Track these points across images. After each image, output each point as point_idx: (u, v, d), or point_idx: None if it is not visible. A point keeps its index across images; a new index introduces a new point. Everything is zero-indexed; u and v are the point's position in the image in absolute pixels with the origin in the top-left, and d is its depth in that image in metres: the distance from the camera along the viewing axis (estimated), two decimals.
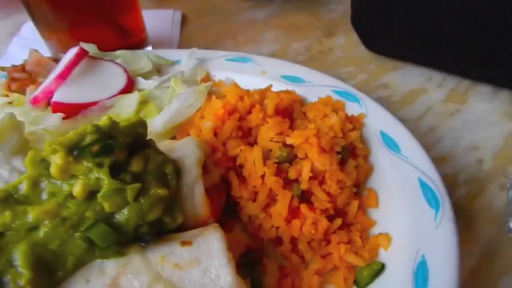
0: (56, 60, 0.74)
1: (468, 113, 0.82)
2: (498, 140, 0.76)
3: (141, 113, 0.69)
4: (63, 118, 0.65)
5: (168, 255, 0.43)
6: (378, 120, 0.66)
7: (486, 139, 0.76)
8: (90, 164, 0.43)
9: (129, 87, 0.73)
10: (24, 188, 0.44)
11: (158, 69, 0.83)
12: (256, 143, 0.60)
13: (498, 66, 0.80)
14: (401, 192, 0.55)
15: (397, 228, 0.53)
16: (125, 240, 0.44)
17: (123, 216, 0.43)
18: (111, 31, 0.89)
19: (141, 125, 0.49)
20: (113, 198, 0.42)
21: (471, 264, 0.57)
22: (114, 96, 0.70)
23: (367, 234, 0.56)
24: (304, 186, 0.55)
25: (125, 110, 0.68)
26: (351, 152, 0.61)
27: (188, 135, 0.63)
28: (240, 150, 0.58)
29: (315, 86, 0.74)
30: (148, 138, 0.51)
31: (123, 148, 0.45)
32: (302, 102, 0.72)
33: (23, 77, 0.73)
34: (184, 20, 1.17)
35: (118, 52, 0.80)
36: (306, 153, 0.56)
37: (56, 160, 0.42)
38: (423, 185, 0.55)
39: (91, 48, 0.77)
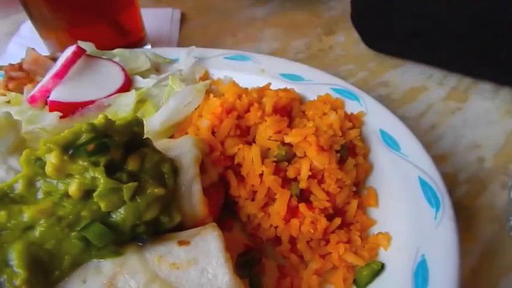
0: (54, 59, 0.74)
1: (469, 111, 0.81)
2: (499, 138, 0.75)
3: (138, 111, 0.69)
4: (61, 117, 0.65)
5: (165, 254, 0.43)
6: (377, 119, 0.65)
7: (487, 137, 0.75)
8: (85, 163, 0.42)
9: (127, 85, 0.73)
10: (19, 187, 0.44)
11: (157, 68, 0.82)
12: (254, 142, 0.60)
13: (499, 66, 0.79)
14: (401, 191, 0.55)
15: (397, 227, 0.52)
16: (121, 239, 0.44)
17: (119, 215, 0.43)
18: (110, 30, 0.89)
19: (137, 123, 0.49)
20: (109, 198, 0.42)
21: (472, 264, 0.56)
22: (112, 95, 0.69)
23: (366, 233, 0.56)
24: (303, 185, 0.55)
25: (123, 108, 0.68)
26: (350, 150, 0.61)
27: (186, 134, 0.62)
28: (238, 149, 0.58)
29: (314, 84, 0.73)
30: (145, 137, 0.51)
31: (119, 147, 0.45)
32: (301, 100, 0.71)
33: (20, 76, 0.72)
34: (183, 19, 1.17)
35: (116, 51, 0.80)
36: (304, 152, 0.56)
37: (51, 159, 0.42)
38: (423, 183, 0.54)
39: (89, 46, 0.77)
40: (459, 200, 0.64)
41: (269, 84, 0.72)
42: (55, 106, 0.67)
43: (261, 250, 0.56)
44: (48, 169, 0.42)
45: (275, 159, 0.56)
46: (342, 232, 0.54)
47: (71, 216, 0.42)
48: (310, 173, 0.54)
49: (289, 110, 0.67)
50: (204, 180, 0.51)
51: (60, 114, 0.65)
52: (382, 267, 0.50)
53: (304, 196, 0.56)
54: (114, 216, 0.43)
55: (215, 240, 0.44)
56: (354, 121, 0.64)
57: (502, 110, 0.81)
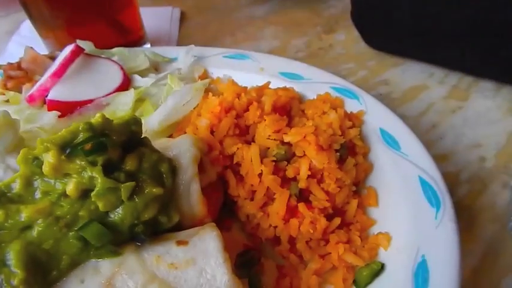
0: (52, 58, 0.74)
1: (470, 110, 0.81)
2: (501, 137, 0.75)
3: (137, 110, 0.69)
4: (59, 116, 0.65)
5: (164, 254, 0.43)
6: (377, 118, 0.65)
7: (489, 136, 0.75)
8: (83, 163, 0.42)
9: (126, 84, 0.72)
10: (17, 186, 0.43)
11: (156, 67, 0.82)
12: (253, 141, 0.60)
13: (500, 65, 0.79)
14: (401, 190, 0.54)
15: (397, 227, 0.52)
16: (120, 239, 0.43)
17: (117, 215, 0.43)
18: (109, 29, 0.89)
19: (135, 122, 0.48)
20: (107, 197, 0.42)
21: (473, 264, 0.56)
22: (110, 94, 0.69)
23: (366, 233, 0.55)
24: (302, 184, 0.54)
25: (121, 108, 0.67)
26: (350, 149, 0.60)
27: (185, 133, 0.62)
28: (237, 148, 0.57)
29: (314, 83, 0.73)
30: (143, 136, 0.50)
31: (117, 146, 0.44)
32: (300, 99, 0.71)
33: (19, 75, 0.72)
34: (183, 17, 1.17)
35: (115, 49, 0.80)
36: (304, 151, 0.55)
37: (49, 158, 0.41)
38: (424, 183, 0.54)
39: (87, 45, 0.76)
40: (460, 200, 0.64)
41: (268, 83, 0.71)
42: (53, 105, 0.66)
43: (260, 250, 0.56)
44: (46, 168, 0.42)
45: (274, 158, 0.56)
46: (341, 232, 0.54)
47: (68, 216, 0.42)
48: (309, 173, 0.54)
49: (289, 109, 0.66)
50: (202, 179, 0.51)
51: (59, 113, 0.65)
52: (382, 267, 0.50)
53: (303, 196, 0.55)
54: (112, 216, 0.43)
55: (214, 240, 0.44)
56: (354, 120, 0.64)
57: (503, 109, 0.80)
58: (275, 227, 0.54)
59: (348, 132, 0.61)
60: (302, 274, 0.52)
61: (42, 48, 0.85)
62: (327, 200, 0.54)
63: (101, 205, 0.42)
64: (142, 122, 0.51)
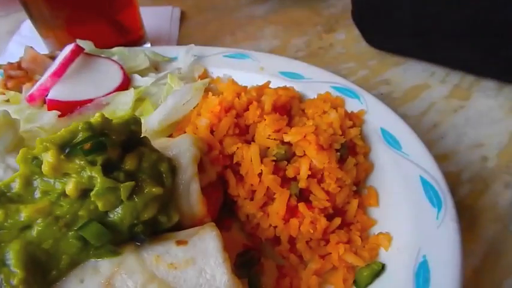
0: (52, 58, 0.74)
1: (472, 109, 0.80)
2: (503, 136, 0.74)
3: (137, 110, 0.69)
4: (59, 116, 0.65)
5: (163, 254, 0.43)
6: (378, 117, 0.64)
7: (490, 136, 0.74)
8: (82, 162, 0.42)
9: (125, 84, 0.72)
10: (16, 186, 0.43)
11: (156, 66, 0.82)
12: (253, 141, 0.59)
13: (501, 64, 0.78)
14: (402, 190, 0.54)
15: (397, 227, 0.52)
16: (119, 239, 0.43)
17: (117, 215, 0.43)
18: (109, 28, 0.89)
19: (135, 122, 0.48)
20: (106, 197, 0.42)
21: (475, 264, 0.55)
22: (110, 93, 0.69)
23: (367, 233, 0.55)
24: (302, 184, 0.54)
25: (121, 107, 0.67)
26: (350, 149, 0.60)
27: (184, 132, 0.62)
28: (237, 148, 0.57)
29: (314, 82, 0.72)
30: (143, 135, 0.50)
31: (116, 146, 0.44)
32: (301, 98, 0.71)
33: (19, 75, 0.72)
34: (183, 17, 1.16)
35: (114, 49, 0.80)
36: (304, 151, 0.55)
37: (48, 158, 0.41)
38: (425, 183, 0.53)
39: (87, 45, 0.76)
40: (461, 200, 0.63)
41: (268, 82, 0.71)
42: (53, 105, 0.66)
43: (260, 250, 0.56)
44: (45, 168, 0.42)
45: (274, 158, 0.56)
46: (342, 232, 0.54)
47: (68, 216, 0.42)
48: (309, 172, 0.54)
49: (289, 108, 0.66)
50: (202, 179, 0.51)
51: (59, 113, 0.65)
52: (383, 267, 0.49)
53: (303, 196, 0.55)
54: (111, 215, 0.43)
55: (213, 240, 0.44)
56: (355, 120, 0.64)
57: (505, 108, 0.80)
58: (275, 227, 0.54)
59: (348, 131, 0.61)
60: (302, 274, 0.52)
61: (42, 47, 0.85)
62: (327, 200, 0.54)
63: (100, 205, 0.42)
64: (142, 121, 0.51)
